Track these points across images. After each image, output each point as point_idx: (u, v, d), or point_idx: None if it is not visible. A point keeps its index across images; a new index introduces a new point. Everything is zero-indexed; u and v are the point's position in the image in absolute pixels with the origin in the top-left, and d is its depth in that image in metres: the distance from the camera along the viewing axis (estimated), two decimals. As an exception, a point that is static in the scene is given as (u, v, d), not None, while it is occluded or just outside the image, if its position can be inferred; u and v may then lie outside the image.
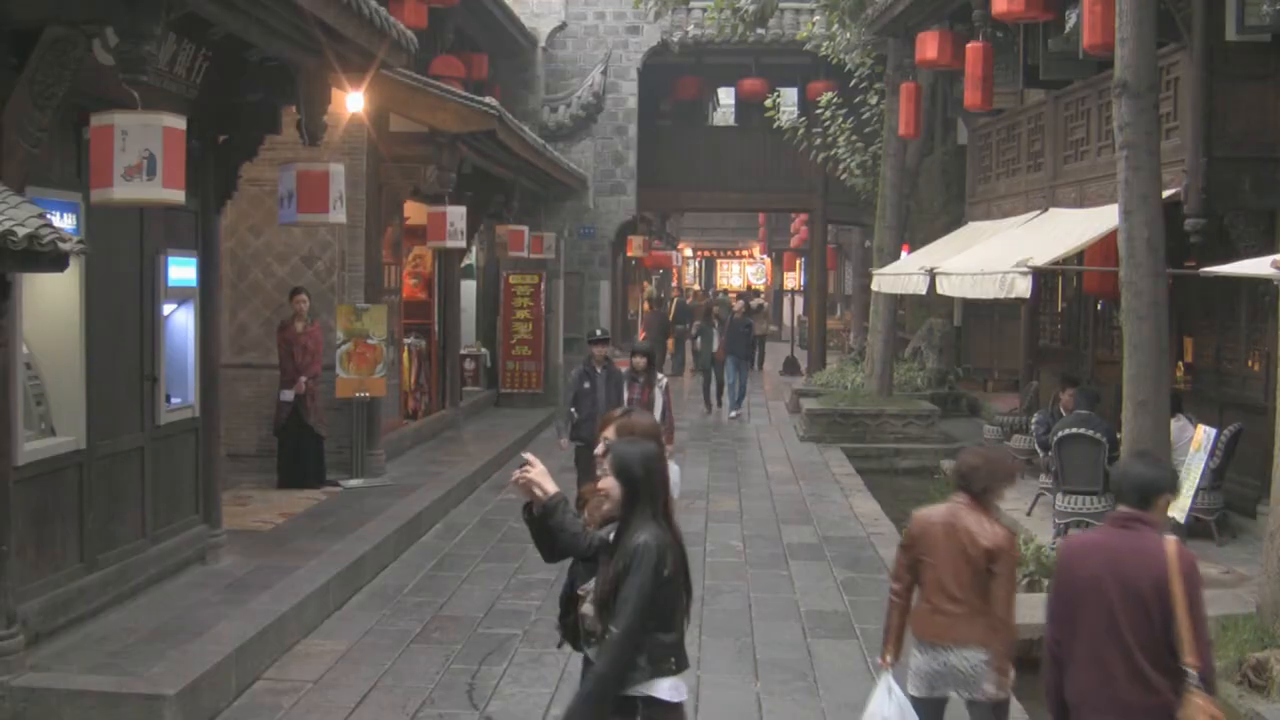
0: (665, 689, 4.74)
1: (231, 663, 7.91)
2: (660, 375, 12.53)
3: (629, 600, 4.62)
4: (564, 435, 12.41)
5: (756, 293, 45.90)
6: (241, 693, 7.98)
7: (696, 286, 55.22)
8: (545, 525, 4.93)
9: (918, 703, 5.93)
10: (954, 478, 6.19)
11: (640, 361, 12.34)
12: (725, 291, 47.77)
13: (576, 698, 4.77)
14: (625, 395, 12.00)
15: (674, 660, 4.78)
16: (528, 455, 5.10)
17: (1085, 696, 5.03)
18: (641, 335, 29.69)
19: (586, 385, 12.18)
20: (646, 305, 35.32)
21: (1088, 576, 5.03)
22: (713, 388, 24.13)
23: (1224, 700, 7.17)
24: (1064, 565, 5.26)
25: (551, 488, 4.93)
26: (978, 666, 5.85)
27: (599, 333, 12.73)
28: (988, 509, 5.98)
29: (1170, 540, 5.00)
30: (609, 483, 4.82)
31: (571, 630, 5.14)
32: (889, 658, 6.08)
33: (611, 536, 4.84)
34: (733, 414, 22.82)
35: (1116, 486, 5.30)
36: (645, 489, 4.78)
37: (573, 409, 12.20)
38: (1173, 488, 5.31)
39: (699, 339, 25.51)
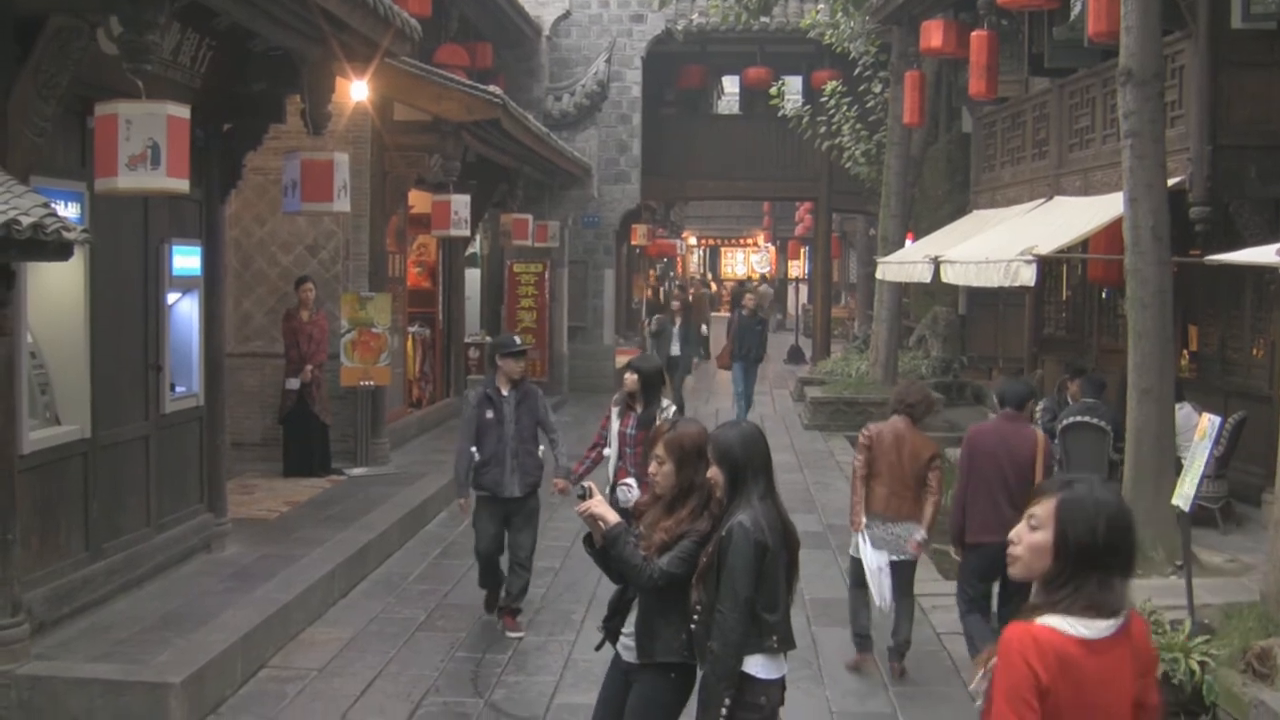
0: (757, 665, 4.84)
1: (237, 651, 7.93)
2: (666, 403, 8.96)
3: (730, 582, 4.74)
4: (465, 490, 9.19)
5: (765, 279, 45.77)
6: (247, 681, 8.01)
7: (703, 274, 55.16)
8: (607, 557, 5.00)
9: (858, 562, 8.38)
10: (898, 404, 8.48)
11: (631, 380, 8.92)
12: (738, 281, 47.22)
13: (701, 680, 4.89)
14: (617, 429, 8.98)
15: (776, 639, 4.88)
16: (589, 484, 5.16)
17: (982, 522, 7.80)
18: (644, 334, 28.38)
19: (489, 415, 9.07)
20: (676, 300, 31.82)
21: (988, 449, 8.01)
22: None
23: (1227, 688, 7.18)
24: (972, 442, 8.18)
25: (613, 518, 4.98)
26: (903, 535, 8.20)
27: (517, 341, 9.40)
28: (918, 426, 8.39)
29: (1037, 429, 8.26)
30: (713, 472, 4.94)
31: (614, 633, 5.24)
32: (862, 521, 8.27)
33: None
34: None
35: (1002, 396, 8.33)
36: (747, 471, 4.90)
37: (473, 448, 9.07)
38: (1035, 397, 8.65)
39: (658, 336, 21.57)
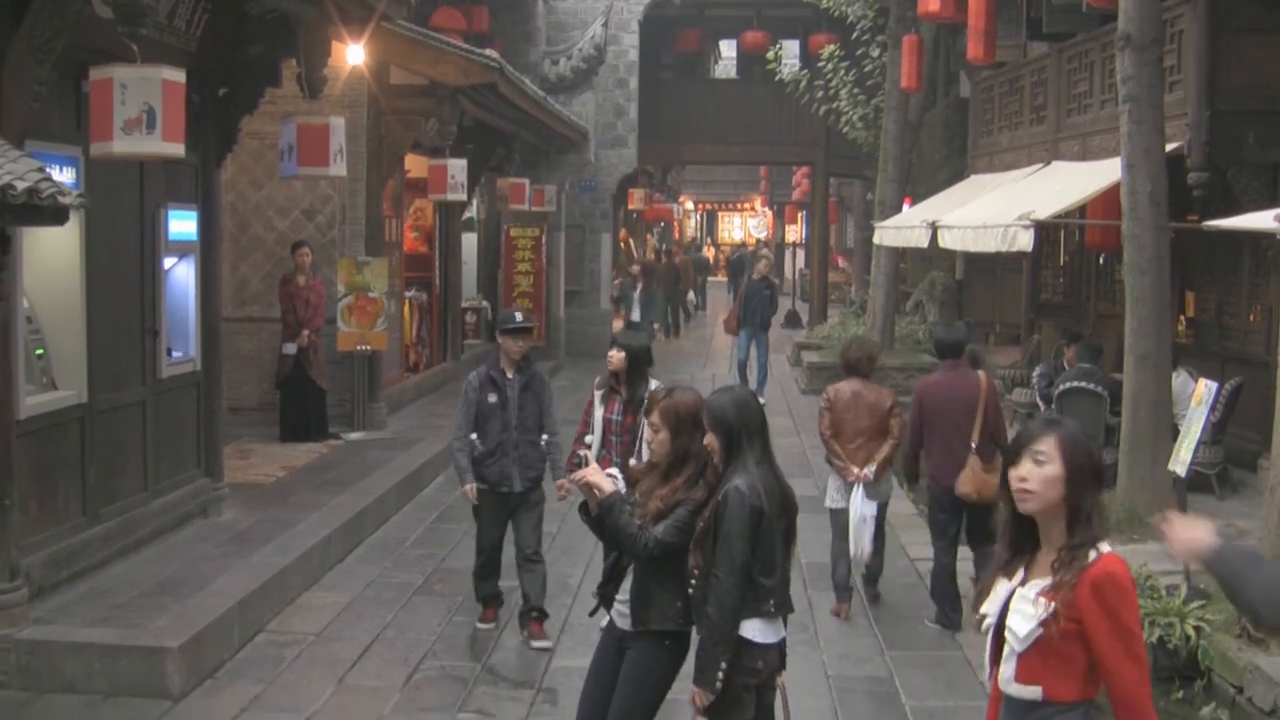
0: (754, 629, 4.87)
1: (234, 616, 7.94)
2: (655, 384, 7.92)
3: (726, 547, 4.76)
4: (467, 477, 8.16)
5: (764, 243, 45.67)
6: (244, 645, 8.02)
7: (695, 239, 54.97)
8: (602, 525, 5.02)
9: (837, 512, 8.84)
10: (846, 367, 8.89)
11: (617, 358, 8.01)
12: (739, 247, 46.88)
13: (698, 645, 4.91)
14: (600, 415, 8.19)
15: (773, 603, 4.90)
16: (584, 452, 5.17)
17: (940, 465, 8.47)
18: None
19: (493, 399, 8.10)
20: (635, 265, 27.77)
21: (938, 398, 8.54)
22: None
23: (1223, 653, 7.21)
24: (923, 393, 8.69)
25: (609, 487, 4.99)
26: (875, 484, 8.69)
27: (518, 318, 8.26)
28: (870, 379, 8.83)
29: (980, 372, 8.75)
30: (709, 438, 4.94)
31: (609, 599, 5.27)
32: (855, 470, 8.63)
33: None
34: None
35: (941, 347, 8.90)
36: (742, 436, 4.90)
37: (473, 435, 8.12)
38: (970, 341, 9.29)
39: (619, 302, 20.41)
